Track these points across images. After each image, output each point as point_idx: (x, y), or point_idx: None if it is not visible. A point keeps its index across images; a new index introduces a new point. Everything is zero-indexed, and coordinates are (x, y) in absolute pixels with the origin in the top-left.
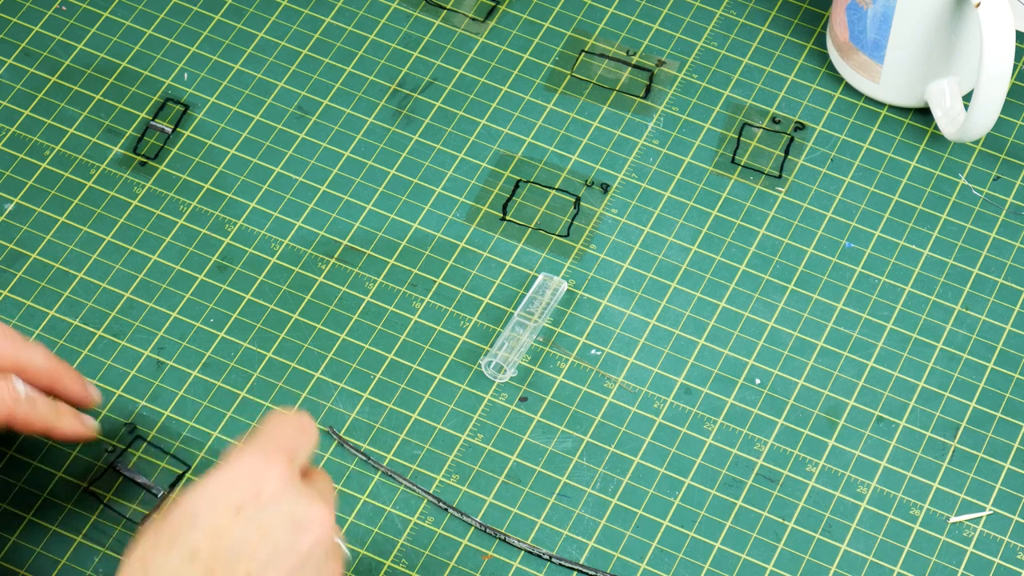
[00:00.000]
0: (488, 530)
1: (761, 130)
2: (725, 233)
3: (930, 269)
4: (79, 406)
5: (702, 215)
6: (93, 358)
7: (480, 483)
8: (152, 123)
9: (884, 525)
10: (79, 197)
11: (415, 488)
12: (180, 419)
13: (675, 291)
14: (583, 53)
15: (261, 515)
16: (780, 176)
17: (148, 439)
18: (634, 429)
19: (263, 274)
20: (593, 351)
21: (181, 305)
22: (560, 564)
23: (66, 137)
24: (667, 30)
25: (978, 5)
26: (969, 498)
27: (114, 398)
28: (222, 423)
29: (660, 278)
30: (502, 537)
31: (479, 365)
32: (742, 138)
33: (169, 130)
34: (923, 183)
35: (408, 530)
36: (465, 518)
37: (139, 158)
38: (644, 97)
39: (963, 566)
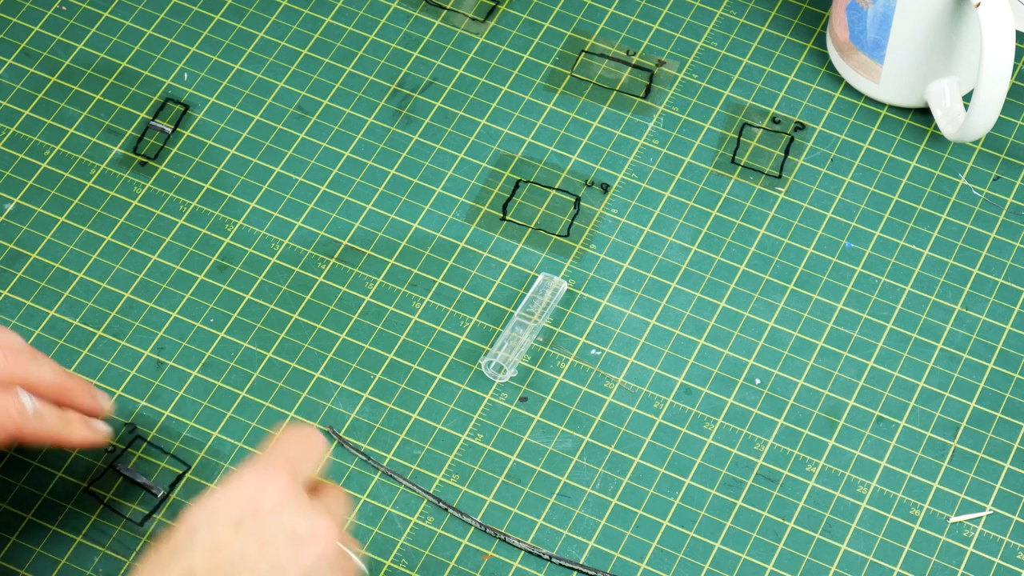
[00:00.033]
0: (488, 530)
1: (761, 130)
2: (725, 233)
3: (930, 269)
4: (89, 416)
5: (702, 215)
6: (93, 358)
7: (480, 483)
8: (152, 123)
9: (884, 525)
10: (79, 197)
11: (415, 488)
12: (180, 419)
13: (675, 291)
14: (583, 53)
15: (261, 529)
16: (780, 176)
17: (148, 439)
18: (634, 429)
19: (263, 274)
20: (593, 351)
21: (181, 305)
22: (560, 564)
23: (66, 137)
24: (667, 30)
25: (978, 5)
26: (969, 498)
27: (114, 398)
28: (222, 423)
29: (660, 278)
30: (502, 537)
31: (479, 365)
32: (742, 138)
33: (169, 130)
34: (923, 183)
35: (408, 530)
36: (465, 518)
37: (139, 158)
38: (644, 97)
39: (963, 566)
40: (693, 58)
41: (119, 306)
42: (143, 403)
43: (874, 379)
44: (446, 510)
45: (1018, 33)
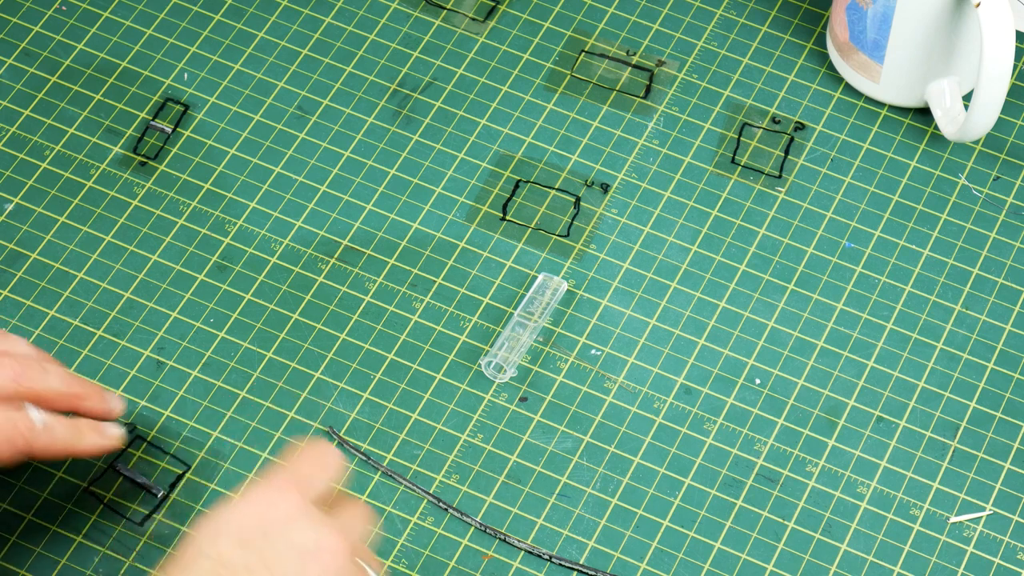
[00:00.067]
0: (488, 530)
1: (761, 130)
2: (725, 233)
3: (930, 269)
4: (102, 420)
5: (702, 215)
6: (93, 358)
7: (480, 483)
8: (152, 123)
9: (884, 525)
10: (79, 197)
11: (415, 488)
12: (180, 419)
13: (675, 291)
14: (583, 53)
15: (268, 545)
16: (780, 176)
17: (148, 439)
18: (634, 429)
19: (263, 274)
20: (593, 351)
21: (181, 305)
22: (560, 564)
23: (66, 137)
24: (667, 30)
25: (978, 5)
26: (969, 498)
27: None
28: (222, 423)
29: (660, 278)
30: (502, 537)
31: (479, 365)
32: (742, 138)
33: (169, 130)
34: (923, 183)
35: (408, 530)
36: (465, 518)
37: (139, 158)
38: (644, 97)
39: (963, 566)
40: (693, 58)
41: (119, 306)
42: (143, 403)
43: (874, 379)
44: (446, 510)
45: (1018, 33)
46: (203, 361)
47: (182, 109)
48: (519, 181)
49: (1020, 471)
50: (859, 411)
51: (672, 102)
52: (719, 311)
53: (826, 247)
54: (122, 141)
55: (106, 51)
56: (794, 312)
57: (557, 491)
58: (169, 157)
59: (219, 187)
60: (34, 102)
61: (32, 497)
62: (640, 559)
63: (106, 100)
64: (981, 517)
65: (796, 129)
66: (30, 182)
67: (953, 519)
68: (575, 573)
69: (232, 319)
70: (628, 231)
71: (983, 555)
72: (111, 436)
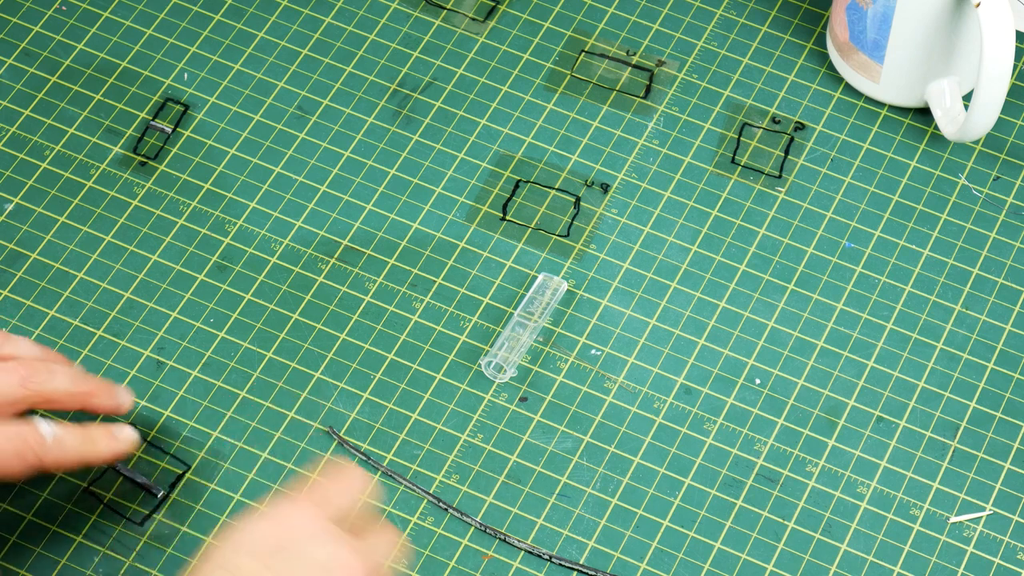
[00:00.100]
0: (488, 530)
1: (761, 130)
2: (725, 233)
3: (930, 269)
4: (113, 415)
5: (702, 215)
6: (93, 358)
7: (480, 483)
8: (152, 123)
9: (884, 525)
10: (79, 197)
11: (415, 488)
12: (180, 419)
13: (675, 291)
14: (583, 53)
15: (284, 560)
16: (780, 176)
17: (148, 439)
18: (634, 429)
19: (263, 274)
20: (593, 351)
21: (181, 305)
22: (560, 564)
23: (66, 137)
24: (667, 30)
25: (978, 5)
26: (969, 498)
27: None
28: (222, 423)
29: (660, 278)
30: (502, 537)
31: (479, 365)
32: (742, 138)
33: (169, 130)
34: (923, 183)
35: (408, 530)
36: (465, 518)
37: (139, 158)
38: (644, 97)
39: (963, 566)
40: (693, 58)
41: (119, 306)
42: (143, 403)
43: (874, 379)
44: (446, 510)
45: (1018, 33)
46: (203, 361)
47: (182, 109)
48: (519, 181)
49: (1020, 471)
50: (859, 411)
51: (672, 102)
52: (719, 311)
53: (826, 247)
54: (122, 141)
55: (106, 51)
56: (794, 312)
57: (557, 491)
58: (169, 157)
59: (219, 187)
60: (34, 102)
61: (32, 497)
62: (640, 559)
63: (106, 100)
64: (981, 517)
65: (796, 129)
66: (30, 182)
67: (953, 519)
68: (575, 573)
69: (232, 319)
70: (628, 231)
71: (983, 555)
72: (124, 440)
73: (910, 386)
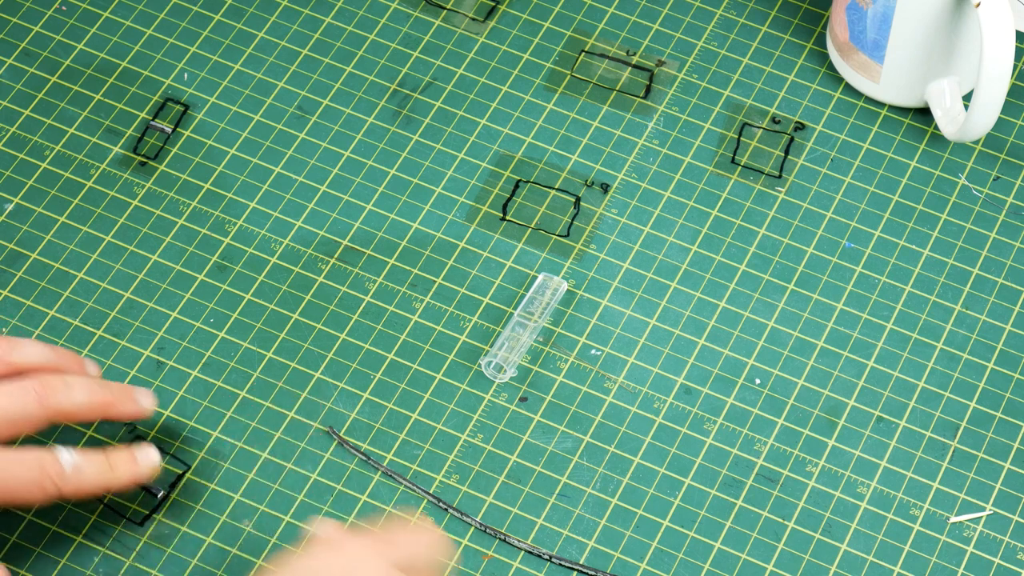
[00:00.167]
0: (488, 530)
1: (761, 130)
2: (725, 233)
3: (930, 269)
4: (135, 420)
5: (702, 215)
6: (93, 358)
7: (480, 483)
8: (152, 123)
9: (884, 525)
10: (79, 197)
11: (415, 488)
12: (180, 419)
13: (675, 291)
14: (583, 53)
15: None
16: (780, 176)
17: (148, 439)
18: (634, 429)
19: (263, 274)
20: (593, 351)
21: (181, 305)
22: (560, 564)
23: (66, 137)
24: (667, 30)
25: (978, 5)
26: (969, 498)
27: None
28: (222, 423)
29: (660, 278)
30: (502, 537)
31: (479, 365)
32: (742, 138)
33: (169, 130)
34: (923, 183)
35: None
36: (465, 518)
37: (139, 158)
38: (644, 97)
39: (963, 566)
40: (693, 58)
41: (119, 306)
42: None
43: (874, 379)
44: (446, 510)
45: (1018, 33)
46: (203, 361)
47: (182, 109)
48: (519, 181)
49: (1020, 471)
50: (859, 411)
51: (672, 102)
52: (719, 311)
53: (826, 247)
54: (122, 141)
55: (106, 51)
56: (794, 312)
57: (557, 491)
58: (169, 157)
59: (219, 187)
60: (34, 102)
61: None
62: (640, 559)
63: (106, 100)
64: (981, 517)
65: (796, 129)
66: (30, 182)
67: (953, 519)
68: (575, 573)
69: (232, 319)
70: (628, 231)
71: (983, 555)
72: (146, 464)
73: (910, 386)
